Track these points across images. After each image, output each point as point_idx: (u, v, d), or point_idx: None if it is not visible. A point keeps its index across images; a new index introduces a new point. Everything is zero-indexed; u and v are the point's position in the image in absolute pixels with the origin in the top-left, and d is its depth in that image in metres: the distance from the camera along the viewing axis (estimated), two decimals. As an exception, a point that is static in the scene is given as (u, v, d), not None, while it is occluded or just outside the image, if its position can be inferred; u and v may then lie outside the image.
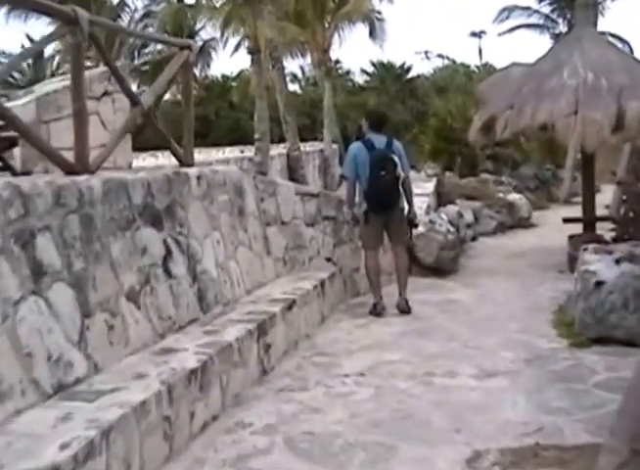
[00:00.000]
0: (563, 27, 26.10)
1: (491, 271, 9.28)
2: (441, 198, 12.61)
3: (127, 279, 4.33)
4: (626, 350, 5.34)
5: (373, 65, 43.23)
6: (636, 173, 12.15)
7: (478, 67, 43.62)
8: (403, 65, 42.51)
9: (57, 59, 33.53)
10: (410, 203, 7.19)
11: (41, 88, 6.12)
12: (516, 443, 3.83)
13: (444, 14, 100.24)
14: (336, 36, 28.67)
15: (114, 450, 3.12)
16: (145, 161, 18.99)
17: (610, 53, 9.48)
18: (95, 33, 4.77)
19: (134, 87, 22.42)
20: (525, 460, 3.62)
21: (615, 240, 8.54)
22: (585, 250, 6.26)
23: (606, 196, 13.06)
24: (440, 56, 47.87)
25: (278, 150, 23.15)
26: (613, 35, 22.12)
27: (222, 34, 25.76)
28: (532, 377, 4.95)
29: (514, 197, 14.43)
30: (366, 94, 38.79)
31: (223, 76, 39.20)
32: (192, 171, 5.62)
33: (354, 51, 66.10)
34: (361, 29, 30.19)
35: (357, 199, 7.11)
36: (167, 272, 4.82)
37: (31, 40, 29.27)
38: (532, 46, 55.47)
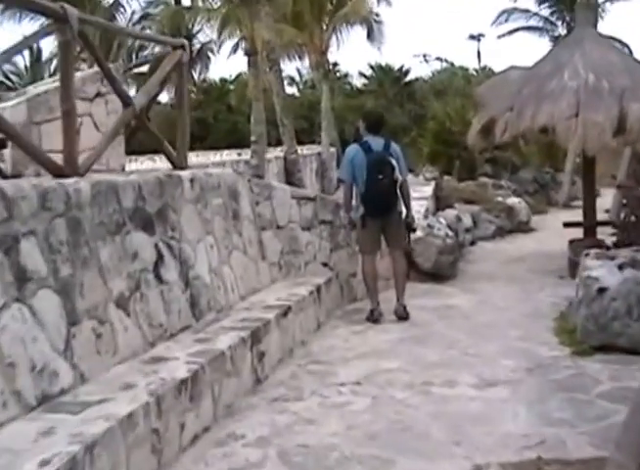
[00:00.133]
0: (562, 30, 25.99)
1: (490, 276, 9.15)
2: (440, 202, 12.52)
3: (116, 285, 4.20)
4: (630, 358, 5.25)
5: (371, 67, 43.27)
6: (636, 177, 12.08)
7: (476, 70, 43.57)
8: (401, 68, 42.52)
9: (55, 62, 33.44)
10: (408, 207, 7.08)
11: (33, 89, 6.00)
12: (517, 456, 3.71)
13: (443, 16, 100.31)
14: (333, 39, 28.51)
15: (99, 466, 2.99)
16: (142, 164, 18.88)
17: (611, 54, 9.35)
18: (85, 32, 4.65)
19: (132, 91, 22.36)
20: (528, 475, 3.50)
21: (616, 245, 8.41)
22: (587, 255, 6.17)
23: (606, 200, 12.95)
24: (439, 59, 47.80)
25: (275, 153, 23.04)
26: (612, 38, 22.01)
27: (219, 36, 25.63)
28: (534, 387, 4.83)
29: (513, 201, 14.31)
30: (364, 97, 38.77)
31: (221, 80, 39.21)
32: (185, 174, 5.48)
33: (352, 54, 66.21)
34: (359, 32, 30.08)
35: (354, 202, 6.99)
36: (159, 278, 4.69)
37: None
38: (531, 49, 55.27)
